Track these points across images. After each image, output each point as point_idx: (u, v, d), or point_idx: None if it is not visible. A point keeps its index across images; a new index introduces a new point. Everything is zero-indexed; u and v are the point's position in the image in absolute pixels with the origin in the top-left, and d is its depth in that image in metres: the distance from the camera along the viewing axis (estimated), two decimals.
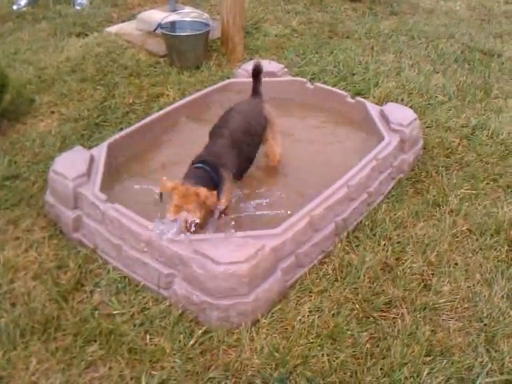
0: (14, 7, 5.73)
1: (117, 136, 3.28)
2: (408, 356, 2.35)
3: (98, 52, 4.73)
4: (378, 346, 2.42)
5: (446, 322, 2.55)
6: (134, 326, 2.46)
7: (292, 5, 6.01)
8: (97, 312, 2.51)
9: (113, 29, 5.19)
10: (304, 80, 4.03)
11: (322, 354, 2.36)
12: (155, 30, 4.68)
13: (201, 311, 2.45)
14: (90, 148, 3.24)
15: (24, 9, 5.69)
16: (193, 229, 2.55)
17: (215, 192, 2.63)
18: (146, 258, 2.60)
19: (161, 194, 2.65)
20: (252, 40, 5.08)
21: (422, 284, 2.73)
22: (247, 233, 2.59)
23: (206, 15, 4.76)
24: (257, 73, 3.25)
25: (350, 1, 6.14)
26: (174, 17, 4.77)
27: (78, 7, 5.73)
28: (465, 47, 5.16)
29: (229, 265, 2.38)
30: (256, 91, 3.26)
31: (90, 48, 4.80)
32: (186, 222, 2.54)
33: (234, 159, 2.88)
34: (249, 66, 3.97)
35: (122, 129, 3.63)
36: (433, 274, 2.79)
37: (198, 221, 2.55)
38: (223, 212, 2.81)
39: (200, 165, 2.74)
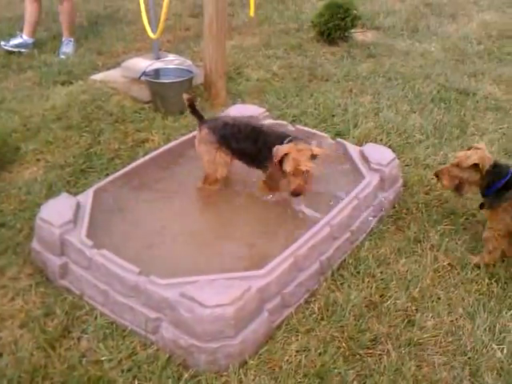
0: (2, 43, 5.86)
1: (102, 182, 3.33)
2: None
3: (83, 99, 4.82)
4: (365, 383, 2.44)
5: (431, 356, 2.59)
6: (122, 371, 2.46)
7: (272, 50, 6.19)
8: (84, 359, 2.52)
9: (98, 76, 5.30)
10: (285, 123, 4.14)
11: None
12: (140, 77, 4.79)
13: (189, 355, 2.47)
14: (76, 194, 3.28)
15: (10, 48, 5.83)
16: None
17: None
18: (133, 303, 2.62)
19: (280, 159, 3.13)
20: (234, 85, 5.22)
21: (407, 320, 2.77)
22: (232, 274, 2.63)
23: (189, 62, 4.89)
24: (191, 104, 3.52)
25: (329, 45, 6.34)
26: (157, 64, 4.90)
27: (62, 56, 5.84)
28: (441, 87, 5.32)
29: (215, 307, 2.41)
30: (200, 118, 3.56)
31: (75, 96, 4.88)
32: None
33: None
34: (232, 111, 4.10)
35: (107, 174, 3.68)
36: (416, 309, 2.83)
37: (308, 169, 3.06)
38: None
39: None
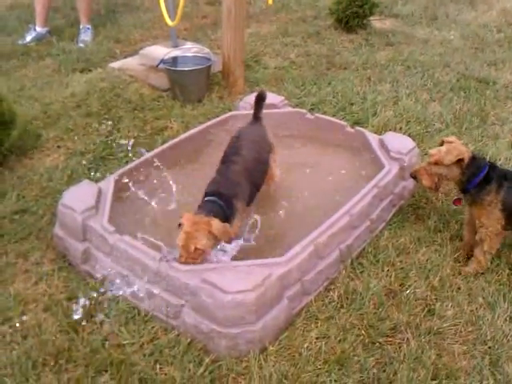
0: (20, 42, 5.89)
1: (123, 169, 3.36)
2: (414, 380, 2.39)
3: (102, 87, 4.84)
4: (384, 371, 2.46)
5: (451, 345, 2.59)
6: (144, 355, 2.50)
7: (290, 38, 6.16)
8: (107, 342, 2.55)
9: (116, 64, 5.32)
10: (304, 111, 4.13)
11: (330, 380, 2.40)
12: (158, 65, 4.80)
13: (209, 340, 2.49)
14: (96, 181, 3.31)
15: (29, 44, 5.84)
16: (198, 257, 2.63)
17: (227, 224, 2.71)
18: (155, 289, 2.65)
19: (179, 225, 2.70)
20: (252, 73, 5.21)
21: (426, 309, 2.77)
22: (253, 261, 2.65)
23: (207, 50, 4.89)
24: (260, 99, 3.35)
25: (347, 33, 6.29)
26: (176, 52, 4.90)
27: (81, 44, 5.87)
28: (460, 76, 5.27)
29: (236, 293, 2.43)
30: (257, 117, 3.36)
31: (94, 83, 4.91)
32: (190, 249, 2.60)
33: (247, 187, 2.97)
34: (250, 99, 4.09)
35: (127, 162, 3.71)
36: (436, 298, 2.83)
37: (201, 247, 2.61)
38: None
39: (213, 198, 2.81)
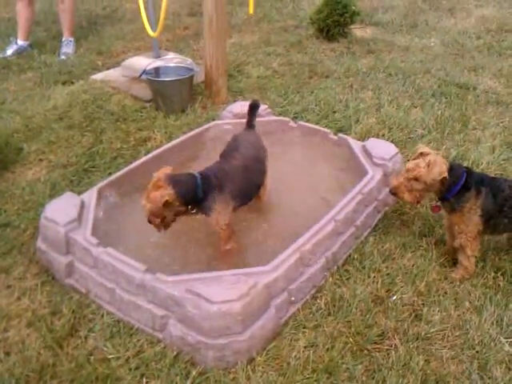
0: (0, 55, 5.84)
1: (106, 181, 3.33)
2: None
3: (84, 99, 4.81)
4: (373, 378, 2.44)
5: (439, 350, 2.59)
6: (130, 369, 2.46)
7: (272, 47, 6.18)
8: (92, 357, 2.51)
9: (98, 76, 5.30)
10: (287, 119, 4.14)
11: None
12: (140, 76, 4.78)
13: (196, 351, 2.47)
14: (79, 193, 3.28)
15: (9, 58, 5.79)
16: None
17: (171, 193, 2.71)
18: (140, 301, 2.62)
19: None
20: (235, 82, 5.21)
21: (413, 314, 2.77)
22: (238, 270, 2.63)
23: (189, 60, 4.88)
24: (254, 108, 3.36)
25: (328, 41, 6.33)
26: (158, 63, 4.89)
27: (63, 56, 5.83)
28: (441, 81, 5.32)
29: (222, 303, 2.41)
30: (250, 125, 3.37)
31: (77, 95, 4.87)
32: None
33: (241, 183, 2.97)
34: (233, 108, 4.09)
35: (110, 173, 3.68)
36: (423, 303, 2.83)
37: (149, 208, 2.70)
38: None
39: (197, 174, 2.85)
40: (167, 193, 2.69)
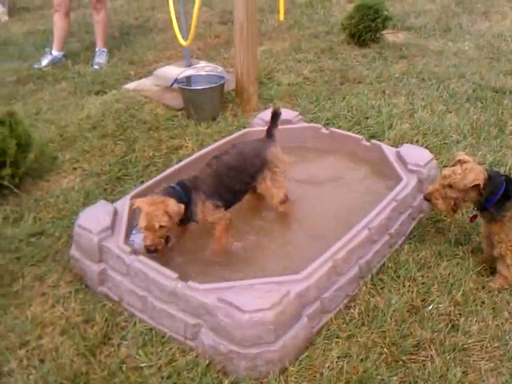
0: (35, 66, 5.97)
1: (138, 189, 3.35)
2: None
3: (117, 108, 4.87)
4: None
5: (477, 362, 2.51)
6: (162, 378, 2.46)
7: (303, 54, 6.16)
8: (124, 365, 2.52)
9: (131, 85, 5.36)
10: (319, 126, 4.11)
11: None
12: (172, 84, 4.82)
13: (228, 361, 2.44)
14: (113, 201, 3.30)
15: (45, 69, 5.92)
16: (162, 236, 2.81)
17: (182, 205, 2.84)
18: (172, 309, 2.62)
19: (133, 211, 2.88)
20: (266, 89, 5.20)
21: (450, 324, 2.69)
22: (271, 278, 2.60)
23: (220, 68, 4.90)
24: (275, 116, 3.36)
25: (360, 47, 6.28)
26: (189, 71, 4.92)
27: (96, 66, 5.93)
28: (476, 86, 5.21)
29: (254, 312, 2.38)
30: (270, 134, 3.37)
31: (110, 105, 4.94)
32: (155, 227, 2.75)
33: (215, 187, 3.07)
34: (264, 115, 4.08)
35: (143, 182, 3.71)
36: (460, 313, 2.75)
37: (164, 224, 2.75)
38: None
39: (173, 185, 2.98)
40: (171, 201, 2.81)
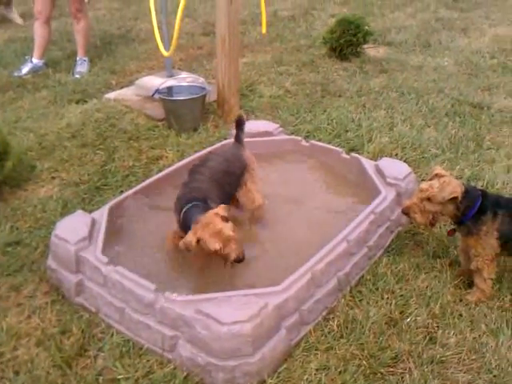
0: (15, 73, 5.91)
1: (117, 199, 3.32)
2: None
3: (97, 117, 4.84)
4: None
5: (455, 374, 2.52)
6: None
7: (285, 67, 6.20)
8: (101, 377, 2.49)
9: (112, 95, 5.34)
10: (299, 138, 4.13)
11: None
12: (153, 94, 4.81)
13: (206, 373, 2.43)
14: (91, 212, 3.27)
15: (25, 77, 5.86)
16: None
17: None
18: (150, 321, 2.59)
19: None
20: (247, 101, 5.22)
21: (428, 337, 2.71)
22: (249, 291, 2.59)
23: (201, 79, 4.91)
24: (240, 123, 3.44)
25: (341, 61, 6.34)
26: (171, 82, 4.92)
27: (77, 75, 5.89)
28: (454, 101, 5.29)
29: (232, 324, 2.37)
30: (239, 139, 3.44)
31: (90, 114, 4.91)
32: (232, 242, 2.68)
33: (217, 193, 3.05)
34: (245, 127, 4.09)
35: (122, 192, 3.68)
36: (438, 326, 2.77)
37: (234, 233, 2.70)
38: None
39: (193, 203, 2.88)
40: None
